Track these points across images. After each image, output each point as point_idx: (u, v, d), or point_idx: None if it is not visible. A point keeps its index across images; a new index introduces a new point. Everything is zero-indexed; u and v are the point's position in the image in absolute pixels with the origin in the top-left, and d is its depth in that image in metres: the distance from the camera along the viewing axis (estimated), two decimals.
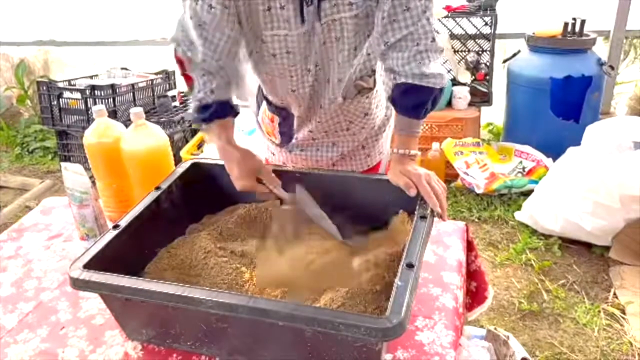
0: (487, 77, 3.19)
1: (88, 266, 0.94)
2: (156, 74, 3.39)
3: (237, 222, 1.22)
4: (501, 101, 3.25)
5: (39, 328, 1.08)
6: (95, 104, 2.98)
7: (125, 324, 1.02)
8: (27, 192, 3.33)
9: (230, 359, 0.97)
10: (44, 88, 3.21)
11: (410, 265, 0.89)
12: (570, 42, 2.93)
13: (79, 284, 0.93)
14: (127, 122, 1.38)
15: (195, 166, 1.29)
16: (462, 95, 3.12)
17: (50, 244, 1.38)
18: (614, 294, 2.19)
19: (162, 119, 3.00)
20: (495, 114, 3.47)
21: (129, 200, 1.37)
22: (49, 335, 1.06)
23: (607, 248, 2.38)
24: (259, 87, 1.39)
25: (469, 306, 1.37)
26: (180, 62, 1.23)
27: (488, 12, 3.09)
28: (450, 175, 3.03)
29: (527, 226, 2.63)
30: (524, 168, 2.97)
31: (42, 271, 1.26)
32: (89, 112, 3.07)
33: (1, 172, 3.65)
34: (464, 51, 3.24)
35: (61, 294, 1.18)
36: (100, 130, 1.35)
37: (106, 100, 3.02)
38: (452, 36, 3.19)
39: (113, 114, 2.96)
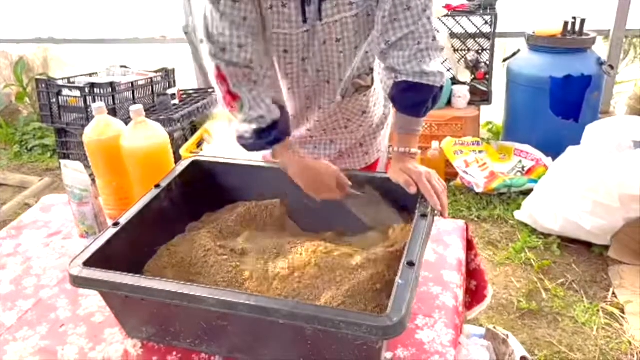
0: (487, 76, 3.18)
1: (88, 264, 0.94)
2: (156, 72, 3.38)
3: (237, 220, 1.22)
4: (501, 100, 3.25)
5: (39, 326, 1.07)
6: (94, 101, 2.97)
7: (125, 321, 1.02)
8: (26, 189, 3.32)
9: (230, 357, 0.97)
10: (43, 86, 3.20)
11: (411, 264, 0.89)
12: (570, 41, 2.93)
13: (78, 282, 0.93)
14: (126, 121, 1.37)
15: (195, 164, 1.29)
16: (461, 94, 3.12)
17: (49, 241, 1.37)
18: (613, 293, 2.19)
19: (162, 117, 2.99)
20: (494, 113, 3.47)
21: (129, 198, 1.37)
22: (49, 333, 1.05)
23: (607, 247, 2.38)
24: None
25: (469, 305, 1.37)
26: (222, 78, 1.14)
27: (488, 11, 3.08)
28: (449, 174, 3.03)
29: (526, 225, 2.63)
30: (523, 167, 2.98)
31: (42, 269, 1.26)
32: (89, 110, 3.06)
33: (0, 170, 3.65)
34: (464, 50, 3.24)
35: (61, 291, 1.17)
36: (100, 128, 1.35)
37: (106, 98, 3.01)
38: (452, 35, 3.19)
39: (112, 112, 2.95)
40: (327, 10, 1.11)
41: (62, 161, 1.27)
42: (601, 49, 3.23)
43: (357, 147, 1.45)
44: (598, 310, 2.11)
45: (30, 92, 4.24)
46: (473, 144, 3.09)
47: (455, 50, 3.23)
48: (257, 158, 1.42)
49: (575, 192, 2.37)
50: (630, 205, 2.24)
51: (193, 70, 3.73)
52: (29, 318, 1.10)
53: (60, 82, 3.21)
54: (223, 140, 2.97)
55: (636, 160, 2.28)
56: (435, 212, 1.09)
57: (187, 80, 3.75)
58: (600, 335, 2.01)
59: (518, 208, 2.72)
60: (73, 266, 0.93)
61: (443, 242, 1.28)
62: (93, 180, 1.32)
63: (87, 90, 3.06)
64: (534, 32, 3.01)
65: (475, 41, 3.19)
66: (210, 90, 3.43)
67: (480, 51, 3.20)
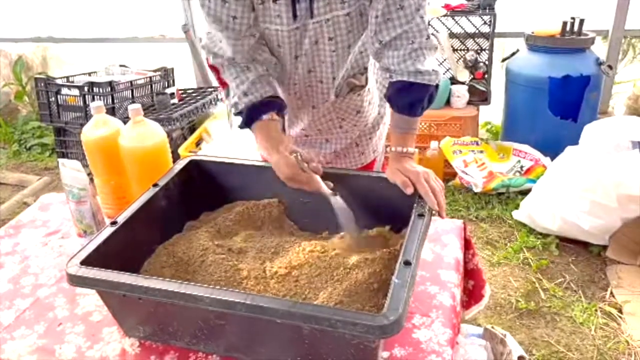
0: (486, 76, 3.18)
1: (85, 263, 0.94)
2: (155, 71, 3.38)
3: (235, 220, 1.22)
4: (500, 100, 3.25)
5: (36, 324, 1.08)
6: (93, 100, 2.97)
7: (122, 320, 1.02)
8: (24, 188, 3.32)
9: (227, 356, 0.98)
10: (42, 85, 3.20)
11: (407, 263, 0.89)
12: (568, 41, 2.93)
13: (76, 281, 0.93)
14: (125, 120, 1.37)
15: (193, 163, 1.29)
16: (460, 94, 3.12)
17: (47, 240, 1.37)
18: (611, 293, 2.19)
19: (161, 116, 2.99)
20: (493, 113, 3.47)
21: (127, 197, 1.37)
22: (46, 332, 1.06)
23: (605, 247, 2.38)
24: None
25: (466, 304, 1.38)
26: (214, 69, 1.26)
27: (487, 11, 3.08)
28: (448, 174, 3.03)
29: (524, 225, 2.63)
30: (522, 167, 2.98)
31: (40, 268, 1.26)
32: (87, 109, 3.06)
33: None
34: (463, 50, 3.23)
35: (58, 290, 1.17)
36: (99, 127, 1.35)
37: (104, 98, 3.01)
38: (451, 35, 3.18)
39: (111, 111, 2.95)
40: (319, 8, 1.12)
41: (61, 160, 1.27)
42: (600, 49, 3.23)
43: (353, 147, 1.46)
44: (596, 310, 2.12)
45: (29, 91, 4.24)
46: (472, 144, 3.09)
47: (454, 50, 3.23)
48: (256, 158, 1.43)
49: (573, 192, 2.37)
50: (628, 205, 2.24)
51: (192, 69, 3.73)
52: (27, 317, 1.10)
53: (59, 81, 3.21)
54: (222, 139, 2.98)
55: (634, 161, 2.28)
56: (433, 211, 1.09)
57: (186, 79, 3.75)
58: (598, 335, 2.01)
59: (516, 208, 2.73)
60: (71, 265, 0.93)
61: (441, 241, 1.28)
62: (91, 179, 1.32)
63: (86, 89, 3.06)
64: (532, 32, 3.01)
65: (474, 41, 3.19)
66: (209, 90, 3.43)
67: (479, 51, 3.20)
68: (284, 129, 1.30)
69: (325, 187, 1.12)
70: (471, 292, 1.37)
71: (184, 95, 3.40)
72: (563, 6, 3.32)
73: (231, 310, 0.84)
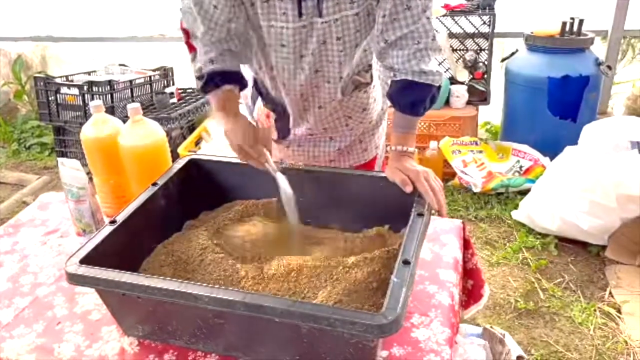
0: (485, 76, 3.18)
1: (84, 261, 0.94)
2: (154, 70, 3.38)
3: (234, 219, 1.22)
4: (499, 100, 3.25)
5: (35, 323, 1.08)
6: (92, 100, 2.97)
7: (121, 319, 1.02)
8: (24, 187, 3.32)
9: (226, 355, 0.98)
10: (42, 84, 3.20)
11: (406, 262, 0.89)
12: (568, 41, 2.93)
13: (75, 279, 0.93)
14: (124, 119, 1.37)
15: (192, 163, 1.29)
16: (460, 94, 3.12)
17: (46, 239, 1.37)
18: (610, 293, 2.20)
19: (160, 116, 2.99)
20: (493, 113, 3.48)
21: (126, 196, 1.37)
22: (45, 331, 1.06)
23: (604, 247, 2.38)
24: (254, 81, 1.39)
25: (465, 304, 1.38)
26: (185, 31, 1.26)
27: (486, 11, 3.09)
28: (447, 174, 3.03)
29: (523, 225, 2.63)
30: (521, 167, 2.98)
31: (39, 266, 1.26)
32: (87, 108, 3.06)
33: None
34: (462, 50, 3.24)
35: (57, 289, 1.17)
36: (98, 126, 1.35)
37: (104, 97, 3.01)
38: (451, 35, 3.19)
39: (111, 111, 2.95)
40: (327, 8, 1.12)
41: (60, 159, 1.27)
42: (599, 49, 3.23)
43: (357, 144, 1.46)
44: (595, 310, 2.12)
45: (28, 90, 4.23)
46: (471, 144, 3.09)
47: (453, 50, 3.23)
48: None
49: (572, 192, 2.37)
50: (627, 205, 2.25)
51: (191, 68, 3.73)
52: (26, 316, 1.10)
53: (58, 80, 3.20)
54: (221, 139, 2.97)
55: (633, 161, 2.28)
56: (433, 211, 1.09)
57: (185, 78, 3.75)
58: (596, 334, 2.01)
59: (516, 208, 2.73)
60: (70, 264, 0.93)
61: (440, 241, 1.28)
62: (90, 178, 1.32)
63: (85, 88, 3.06)
64: (532, 32, 3.01)
65: (474, 41, 3.19)
66: None
67: (478, 51, 3.20)
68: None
69: (272, 164, 1.16)
70: (470, 292, 1.37)
71: (183, 95, 3.40)
72: (562, 6, 3.32)
73: (230, 309, 0.84)
